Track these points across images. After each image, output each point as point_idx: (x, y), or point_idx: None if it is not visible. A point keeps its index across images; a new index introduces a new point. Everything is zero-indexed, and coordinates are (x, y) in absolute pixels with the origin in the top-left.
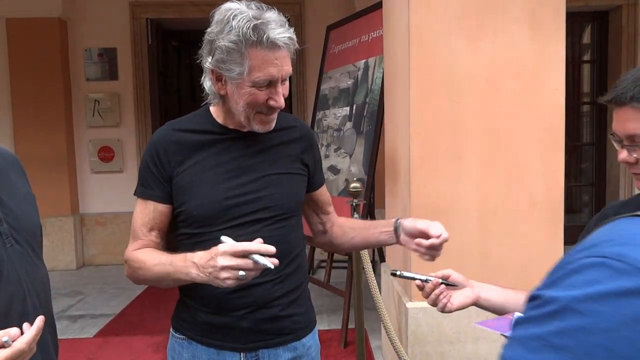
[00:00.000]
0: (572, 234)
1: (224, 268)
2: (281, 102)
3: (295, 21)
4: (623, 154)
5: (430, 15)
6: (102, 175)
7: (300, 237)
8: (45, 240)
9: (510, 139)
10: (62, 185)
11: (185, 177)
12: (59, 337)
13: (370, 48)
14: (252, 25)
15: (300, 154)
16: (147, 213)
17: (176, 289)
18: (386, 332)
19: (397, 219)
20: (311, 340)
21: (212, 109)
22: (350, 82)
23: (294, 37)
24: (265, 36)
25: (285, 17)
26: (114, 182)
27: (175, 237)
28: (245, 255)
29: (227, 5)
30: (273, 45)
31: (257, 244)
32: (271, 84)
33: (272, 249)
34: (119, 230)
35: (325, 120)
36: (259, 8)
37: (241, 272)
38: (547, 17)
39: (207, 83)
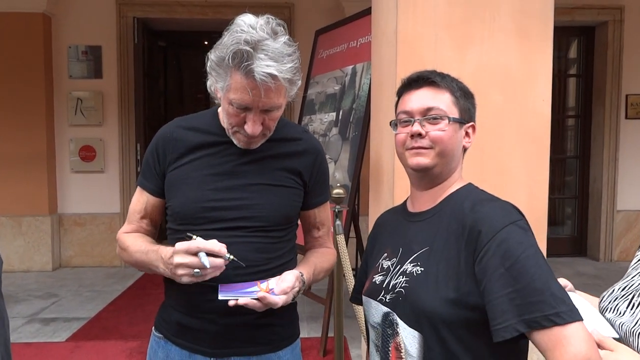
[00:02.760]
0: (554, 247)
1: (178, 265)
2: (252, 131)
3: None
4: (415, 127)
5: (418, 22)
6: (83, 174)
7: (289, 250)
8: (21, 240)
9: (496, 149)
10: (40, 183)
11: (176, 174)
12: (29, 341)
13: (359, 54)
14: (235, 49)
15: (298, 168)
16: (141, 202)
17: (160, 290)
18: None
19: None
20: (289, 354)
21: (219, 110)
22: (337, 87)
23: (289, 73)
24: (244, 64)
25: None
26: (94, 182)
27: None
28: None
29: (242, 18)
30: (248, 76)
31: (210, 243)
32: (247, 109)
33: (223, 250)
34: (98, 231)
35: (311, 125)
36: (268, 32)
37: (196, 270)
38: (535, 28)
39: (208, 81)
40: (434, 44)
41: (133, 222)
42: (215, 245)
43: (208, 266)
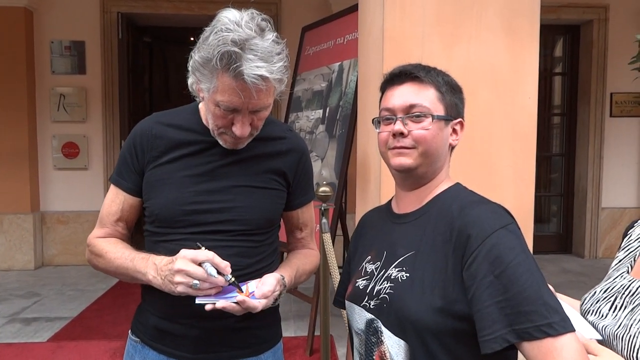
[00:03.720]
0: (540, 244)
1: (179, 271)
2: (241, 132)
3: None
4: (397, 126)
5: (405, 19)
6: (66, 172)
7: (271, 252)
8: (2, 238)
9: (482, 146)
10: (22, 181)
11: (155, 173)
12: (10, 341)
13: (345, 50)
14: (223, 50)
15: (282, 168)
16: (117, 202)
17: (139, 291)
18: None
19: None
20: (271, 357)
21: (200, 106)
22: (324, 84)
23: (279, 72)
24: (233, 66)
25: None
26: (77, 179)
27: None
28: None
29: (225, 14)
30: (238, 78)
31: (219, 258)
32: (236, 111)
33: (228, 269)
34: (82, 229)
35: (298, 122)
36: (255, 30)
37: (195, 281)
38: (522, 26)
39: (190, 79)
40: (421, 41)
41: (107, 226)
42: (222, 260)
43: (215, 275)
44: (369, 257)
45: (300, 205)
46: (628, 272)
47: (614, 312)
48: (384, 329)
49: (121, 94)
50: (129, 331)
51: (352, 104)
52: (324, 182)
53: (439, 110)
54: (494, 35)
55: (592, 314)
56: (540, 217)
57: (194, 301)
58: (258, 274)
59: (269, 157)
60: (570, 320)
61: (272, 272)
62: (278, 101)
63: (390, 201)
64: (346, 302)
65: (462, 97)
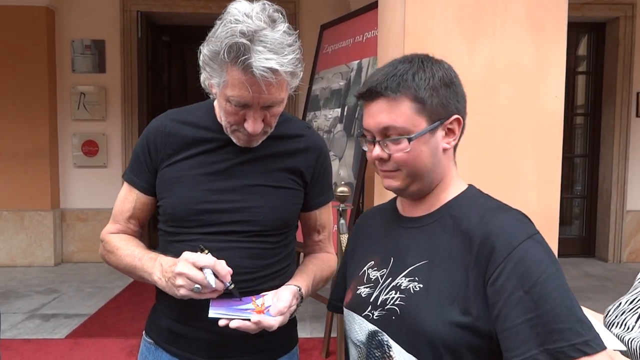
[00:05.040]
0: (562, 247)
1: (180, 274)
2: (253, 129)
3: (289, 20)
4: (376, 151)
5: (426, 15)
6: (85, 169)
7: (287, 254)
8: (23, 234)
9: (506, 146)
10: (43, 178)
11: (169, 171)
12: (29, 337)
13: (364, 48)
14: (231, 42)
15: (299, 167)
16: (130, 200)
17: (154, 290)
18: None
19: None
20: None
21: (215, 103)
22: (342, 83)
23: (290, 65)
24: (241, 59)
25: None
26: (97, 177)
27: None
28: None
29: (235, 5)
30: (247, 71)
31: (220, 263)
32: (247, 106)
33: (228, 276)
34: (100, 226)
35: (316, 121)
36: (265, 21)
37: (196, 285)
38: (548, 20)
39: (202, 76)
40: (443, 37)
41: (119, 222)
42: (223, 267)
43: (214, 285)
44: (372, 262)
45: (318, 206)
46: None
47: None
48: (392, 343)
49: (140, 92)
50: (143, 332)
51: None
52: (342, 182)
53: (419, 124)
54: (519, 30)
55: (617, 326)
56: (562, 220)
57: (207, 312)
58: (273, 277)
59: (286, 155)
60: (601, 337)
61: (288, 275)
62: (294, 98)
63: (394, 201)
64: (345, 309)
65: (457, 90)
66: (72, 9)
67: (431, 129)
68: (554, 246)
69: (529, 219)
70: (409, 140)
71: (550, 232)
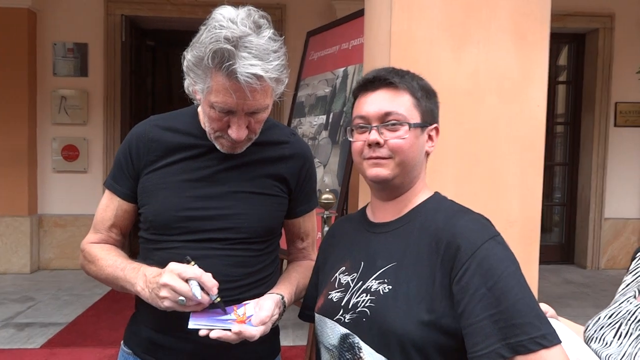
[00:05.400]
0: (543, 253)
1: (165, 285)
2: (237, 136)
3: (276, 26)
4: (373, 135)
5: (412, 23)
6: (65, 174)
7: (270, 262)
8: None
9: (489, 155)
10: (20, 183)
11: (151, 178)
12: (2, 347)
13: (350, 56)
14: (215, 48)
15: (284, 174)
16: (111, 208)
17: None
18: None
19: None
20: None
21: (199, 109)
22: (328, 90)
23: (275, 71)
24: (226, 65)
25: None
26: (77, 182)
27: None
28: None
29: (220, 11)
30: (231, 77)
31: (206, 276)
32: (231, 112)
33: (215, 289)
34: (80, 233)
35: (301, 128)
36: (251, 27)
37: (181, 298)
38: (532, 30)
39: (185, 82)
40: (429, 45)
41: (101, 231)
42: (209, 279)
43: (199, 297)
44: (343, 267)
45: (302, 214)
46: (635, 296)
47: (618, 339)
48: (362, 345)
49: (123, 97)
50: (122, 342)
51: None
52: (327, 189)
53: (415, 117)
54: (503, 40)
55: (596, 341)
56: (542, 227)
57: (187, 322)
58: (257, 285)
59: (270, 162)
60: (556, 332)
61: (271, 283)
62: (280, 105)
63: (364, 210)
64: (316, 315)
65: (437, 101)
66: (55, 11)
67: (424, 125)
68: (535, 254)
69: (490, 221)
70: (409, 126)
71: (531, 240)
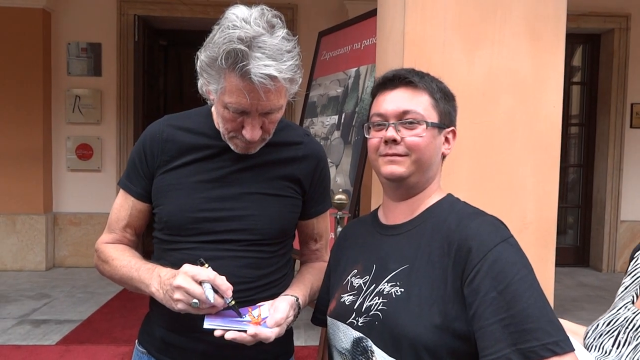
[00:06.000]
0: (558, 256)
1: (178, 287)
2: (251, 136)
3: (288, 26)
4: (390, 132)
5: (426, 23)
6: (79, 173)
7: (284, 264)
8: (15, 238)
9: (504, 156)
10: (35, 181)
11: (166, 178)
12: (19, 343)
13: (362, 56)
14: (228, 48)
15: (298, 175)
16: (125, 208)
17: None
18: None
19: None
20: None
21: (213, 109)
22: (340, 90)
23: (289, 71)
24: (239, 65)
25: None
26: (91, 181)
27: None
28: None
29: (233, 10)
30: (245, 78)
31: (220, 278)
32: (245, 113)
33: (229, 292)
34: (94, 231)
35: (313, 128)
36: (264, 27)
37: (194, 300)
38: (547, 31)
39: (199, 82)
40: (442, 46)
41: (115, 231)
42: (224, 282)
43: (212, 301)
44: (355, 270)
45: (315, 215)
46: (633, 302)
47: (617, 348)
48: (375, 349)
49: (136, 96)
50: (136, 341)
51: (368, 110)
52: (340, 190)
53: (433, 117)
54: (518, 41)
55: (595, 349)
56: (557, 229)
57: (201, 322)
58: (270, 286)
59: (284, 163)
60: (569, 339)
61: (285, 284)
62: (292, 105)
63: (375, 212)
64: (329, 319)
65: (455, 105)
66: (68, 11)
67: (441, 126)
68: (551, 256)
69: (503, 224)
70: (427, 125)
71: (547, 242)
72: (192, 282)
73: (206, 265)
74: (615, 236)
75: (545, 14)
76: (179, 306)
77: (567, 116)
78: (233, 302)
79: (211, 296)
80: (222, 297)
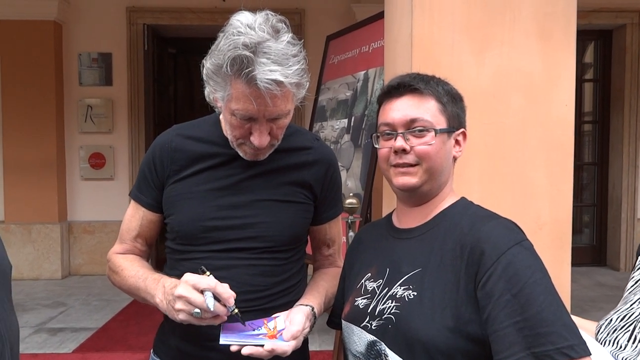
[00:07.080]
0: (574, 255)
1: (180, 297)
2: (260, 142)
3: (295, 31)
4: (399, 142)
5: (434, 25)
6: (92, 182)
7: (297, 270)
8: (31, 247)
9: (516, 156)
10: (50, 190)
11: (176, 188)
12: (36, 351)
13: (371, 59)
14: (233, 55)
15: (309, 180)
16: (136, 218)
17: None
18: None
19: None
20: None
21: (221, 117)
22: (349, 93)
23: (295, 76)
24: (245, 71)
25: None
26: (104, 189)
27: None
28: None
29: (237, 17)
30: (250, 84)
31: (222, 286)
32: (252, 119)
33: (231, 300)
34: (107, 239)
35: (322, 132)
36: (269, 32)
37: (196, 310)
38: (557, 30)
39: (206, 90)
40: (451, 47)
41: (126, 242)
42: (226, 290)
43: (212, 309)
44: (369, 274)
45: (327, 220)
46: None
47: (633, 342)
48: (389, 352)
49: (146, 104)
50: (151, 350)
51: (376, 118)
52: (350, 194)
53: (441, 122)
54: (527, 40)
55: (609, 344)
56: (572, 228)
57: (215, 330)
58: (284, 294)
59: (295, 168)
60: (586, 343)
61: (299, 291)
62: (301, 110)
63: (389, 215)
64: (343, 322)
65: (464, 106)
66: (79, 22)
67: (450, 130)
68: (567, 257)
69: (518, 226)
70: (435, 132)
71: (563, 242)
72: (193, 291)
73: (207, 273)
74: (633, 234)
75: (555, 12)
76: (181, 317)
77: (580, 114)
78: (236, 311)
79: (211, 304)
80: (225, 305)
